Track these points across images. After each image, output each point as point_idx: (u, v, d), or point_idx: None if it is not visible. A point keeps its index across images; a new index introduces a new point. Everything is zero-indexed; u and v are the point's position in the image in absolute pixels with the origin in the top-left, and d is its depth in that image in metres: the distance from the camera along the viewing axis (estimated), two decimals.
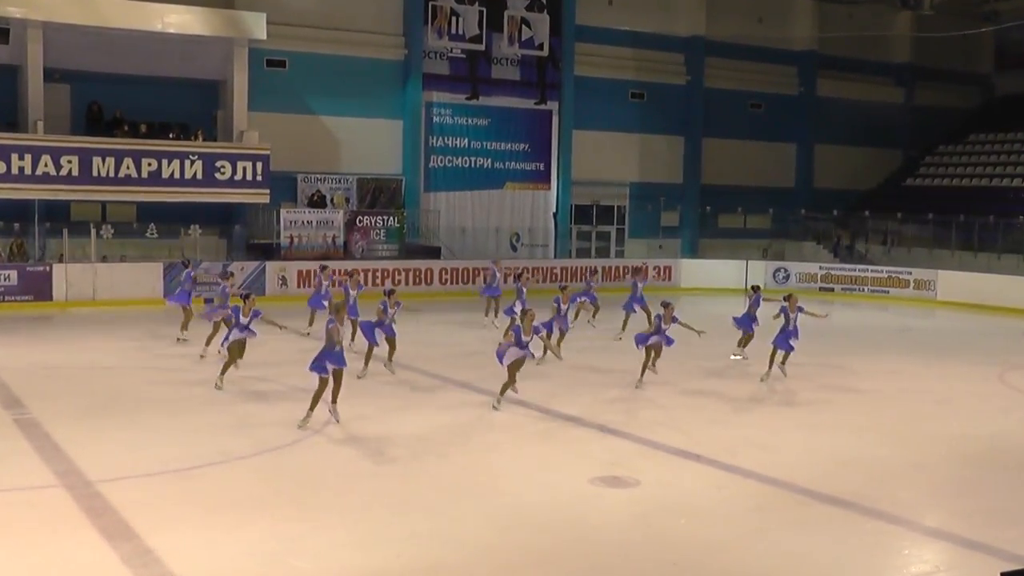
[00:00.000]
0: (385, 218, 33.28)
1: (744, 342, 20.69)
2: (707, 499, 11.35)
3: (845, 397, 17.64)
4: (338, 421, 14.08)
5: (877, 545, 10.19)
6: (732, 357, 20.58)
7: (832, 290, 35.20)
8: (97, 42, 29.21)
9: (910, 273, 34.31)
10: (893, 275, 34.64)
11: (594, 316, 23.87)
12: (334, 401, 14.18)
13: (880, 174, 44.04)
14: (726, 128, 41.28)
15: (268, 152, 30.37)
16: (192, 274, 22.50)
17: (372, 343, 17.87)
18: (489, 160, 37.10)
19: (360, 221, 32.74)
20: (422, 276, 30.75)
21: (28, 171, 27.75)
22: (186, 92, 31.37)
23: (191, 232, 29.74)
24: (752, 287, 22.18)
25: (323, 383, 14.02)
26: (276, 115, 32.24)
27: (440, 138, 36.14)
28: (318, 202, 33.25)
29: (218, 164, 29.81)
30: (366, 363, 17.81)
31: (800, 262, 37.25)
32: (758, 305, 20.76)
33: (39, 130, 28.34)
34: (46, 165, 27.88)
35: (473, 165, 36.86)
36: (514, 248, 35.94)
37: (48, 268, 27.49)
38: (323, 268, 23.63)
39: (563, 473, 12.14)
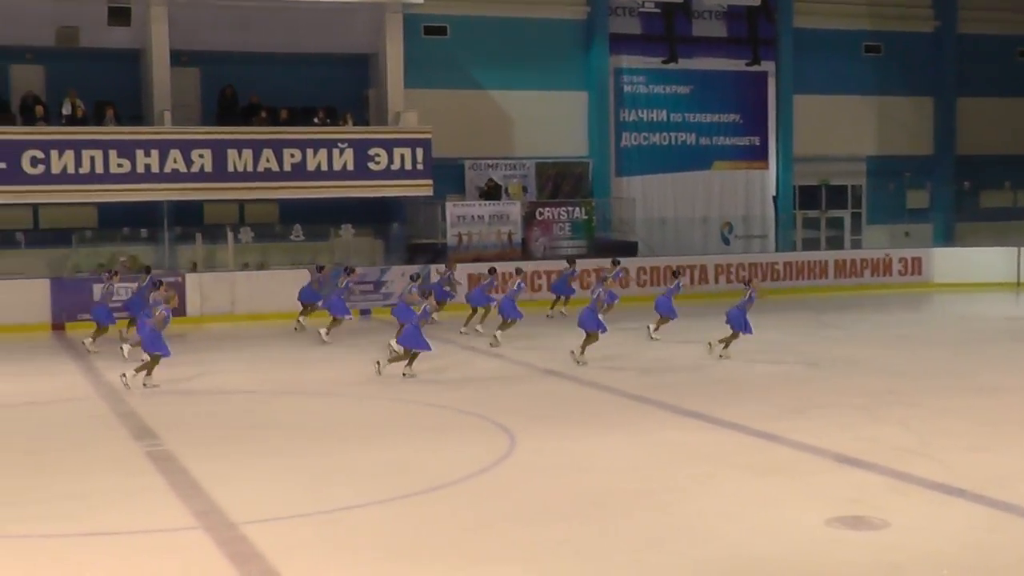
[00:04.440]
0: (570, 209, 33.42)
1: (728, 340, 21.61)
2: (974, 545, 10.94)
3: None
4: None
5: None
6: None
7: None
8: (228, 18, 30.21)
9: None
10: None
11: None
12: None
13: None
14: (987, 84, 40.10)
15: (430, 136, 30.80)
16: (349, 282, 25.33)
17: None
18: (693, 136, 36.90)
19: (541, 214, 32.96)
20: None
21: (155, 169, 28.88)
22: (332, 70, 32.19)
23: (342, 233, 30.38)
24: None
25: None
26: (437, 92, 32.76)
27: (633, 111, 36.11)
28: (491, 193, 33.51)
29: (372, 152, 30.39)
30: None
31: None
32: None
33: (166, 121, 29.45)
34: (175, 161, 28.90)
35: (673, 142, 36.72)
36: (726, 241, 35.59)
37: (180, 279, 28.46)
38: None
39: (793, 513, 11.89)
